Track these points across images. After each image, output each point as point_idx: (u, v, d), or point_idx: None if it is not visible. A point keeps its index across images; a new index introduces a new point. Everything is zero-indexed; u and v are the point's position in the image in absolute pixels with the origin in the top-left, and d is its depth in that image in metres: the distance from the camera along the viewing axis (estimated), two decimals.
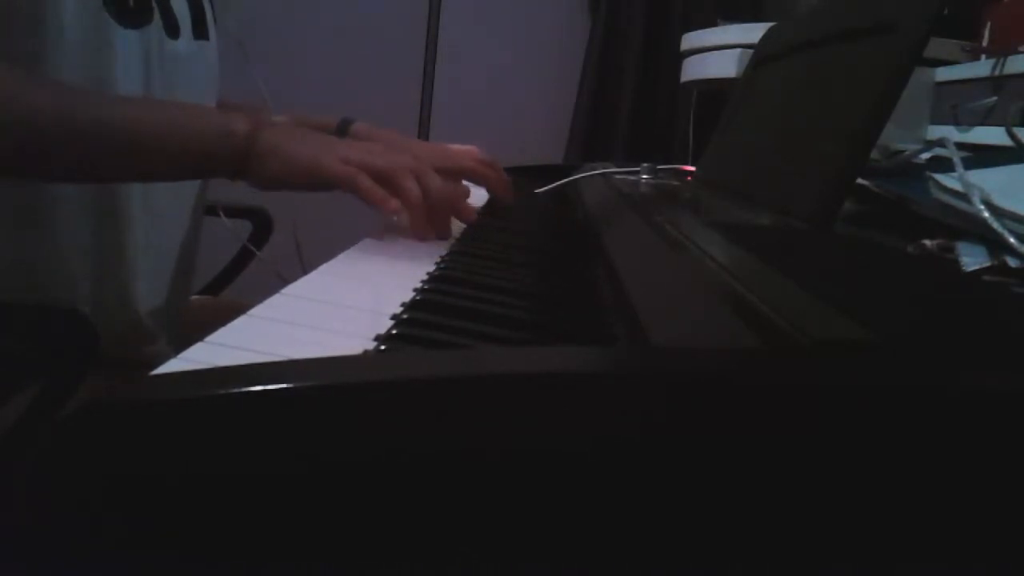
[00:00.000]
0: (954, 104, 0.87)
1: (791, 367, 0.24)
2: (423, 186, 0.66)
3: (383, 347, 0.39)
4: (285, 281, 0.49)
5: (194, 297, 1.02)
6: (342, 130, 0.90)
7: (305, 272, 0.53)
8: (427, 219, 0.67)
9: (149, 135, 0.62)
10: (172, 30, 0.75)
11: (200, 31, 0.80)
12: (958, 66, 0.92)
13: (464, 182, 0.81)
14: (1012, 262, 0.45)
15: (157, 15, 0.73)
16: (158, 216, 0.77)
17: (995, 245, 0.48)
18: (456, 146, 0.89)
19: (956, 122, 0.86)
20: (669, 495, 0.23)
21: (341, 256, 0.60)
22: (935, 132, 0.89)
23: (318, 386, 0.23)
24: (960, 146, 0.60)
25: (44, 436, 0.22)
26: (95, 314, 0.69)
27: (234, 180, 0.66)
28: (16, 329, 0.60)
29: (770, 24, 0.93)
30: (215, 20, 0.84)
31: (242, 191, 0.68)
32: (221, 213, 0.99)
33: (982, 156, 0.61)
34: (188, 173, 0.72)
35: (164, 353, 0.77)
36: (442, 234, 0.70)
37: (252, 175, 0.64)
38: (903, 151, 0.76)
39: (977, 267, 0.46)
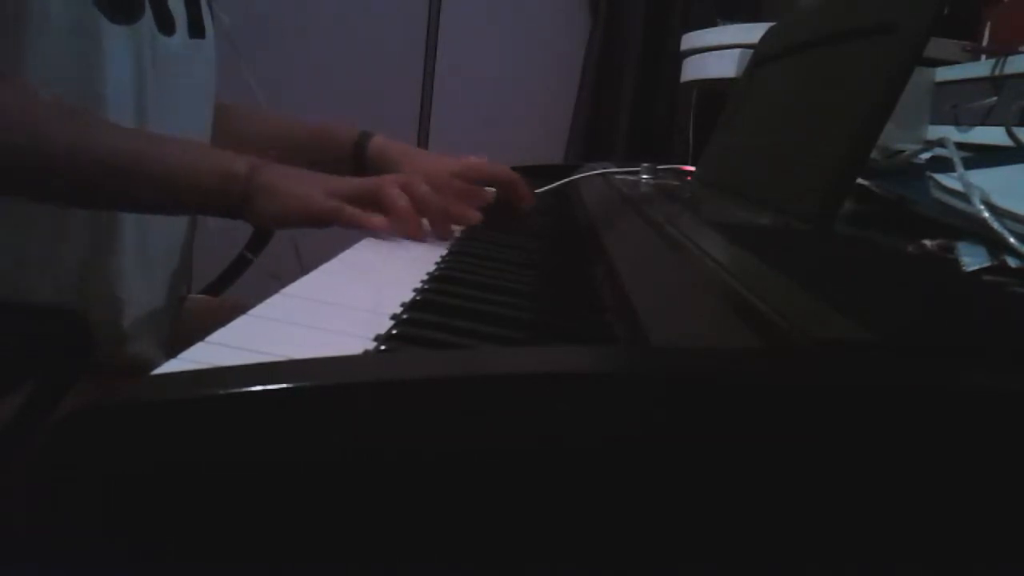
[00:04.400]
0: (954, 104, 0.87)
1: (791, 367, 0.24)
2: (410, 193, 0.67)
3: (383, 347, 0.39)
4: (285, 282, 0.49)
5: (194, 297, 1.02)
6: (361, 144, 0.90)
7: (305, 272, 0.53)
8: (418, 224, 0.68)
9: (151, 171, 0.63)
10: (166, 27, 0.74)
11: (196, 29, 0.80)
12: (958, 66, 0.92)
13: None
14: (1012, 262, 0.45)
15: (148, 11, 0.72)
16: (151, 219, 0.76)
17: (995, 245, 0.48)
18: (470, 157, 0.89)
19: (956, 122, 0.86)
20: (670, 495, 0.23)
21: (341, 256, 0.60)
22: (935, 132, 0.89)
23: (318, 386, 0.23)
24: (960, 146, 0.60)
25: (43, 436, 0.22)
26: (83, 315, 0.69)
27: (231, 218, 0.67)
28: (9, 328, 0.60)
29: (770, 24, 0.93)
30: (212, 18, 0.84)
31: None
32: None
33: (982, 156, 0.61)
34: (185, 209, 0.74)
35: (152, 355, 0.77)
36: (441, 236, 0.70)
37: (248, 215, 0.66)
38: (903, 151, 0.76)
39: (977, 267, 0.46)
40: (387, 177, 0.69)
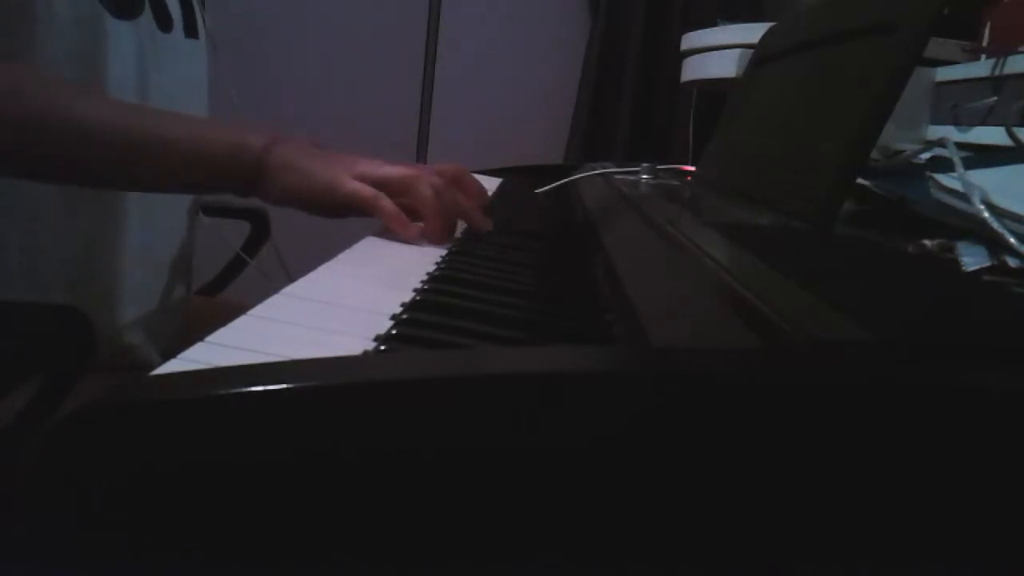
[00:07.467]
0: (954, 104, 0.87)
1: (791, 367, 0.24)
2: (442, 196, 0.65)
3: (383, 347, 0.39)
4: (284, 281, 0.49)
5: (194, 297, 1.02)
6: None
7: (304, 272, 0.53)
8: (448, 234, 0.67)
9: (160, 142, 0.61)
10: (164, 23, 0.75)
11: (190, 30, 0.80)
12: (958, 66, 0.92)
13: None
14: (1012, 262, 0.45)
15: (148, 7, 0.72)
16: (153, 219, 0.76)
17: (995, 245, 0.48)
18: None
19: (956, 122, 0.86)
20: (670, 495, 0.23)
21: (341, 256, 0.60)
22: (935, 132, 0.88)
23: (318, 386, 0.23)
24: (960, 146, 0.60)
25: (44, 436, 0.22)
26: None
27: (245, 196, 0.64)
28: (13, 327, 0.60)
29: (770, 24, 0.93)
30: (204, 20, 0.84)
31: None
32: (201, 214, 0.99)
33: (982, 156, 0.61)
34: (192, 186, 0.71)
35: (151, 355, 0.77)
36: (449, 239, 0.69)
37: (264, 191, 0.63)
38: (903, 151, 0.76)
39: (977, 267, 0.46)
40: (419, 172, 0.65)
